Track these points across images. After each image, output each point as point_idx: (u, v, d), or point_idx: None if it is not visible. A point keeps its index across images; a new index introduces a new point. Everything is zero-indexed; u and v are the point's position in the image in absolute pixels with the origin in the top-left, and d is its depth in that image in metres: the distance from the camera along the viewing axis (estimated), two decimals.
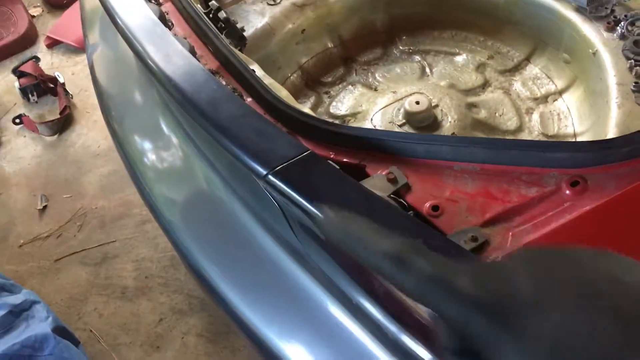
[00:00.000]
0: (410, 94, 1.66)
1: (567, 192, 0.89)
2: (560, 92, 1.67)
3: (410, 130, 1.59)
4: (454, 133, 1.56)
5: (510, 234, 0.88)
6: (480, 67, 1.79)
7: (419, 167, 0.99)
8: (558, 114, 1.63)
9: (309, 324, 1.10)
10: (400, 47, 1.91)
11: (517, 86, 1.73)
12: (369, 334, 1.00)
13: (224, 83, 1.21)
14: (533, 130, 1.62)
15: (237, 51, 1.30)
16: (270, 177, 0.94)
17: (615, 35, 1.51)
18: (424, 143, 1.00)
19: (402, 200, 0.96)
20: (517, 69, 1.78)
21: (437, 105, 1.62)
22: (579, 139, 1.55)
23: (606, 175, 0.89)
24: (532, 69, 1.76)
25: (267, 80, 1.22)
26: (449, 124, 1.59)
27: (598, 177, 0.89)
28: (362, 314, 0.98)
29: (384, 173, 0.99)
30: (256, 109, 1.15)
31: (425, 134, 1.51)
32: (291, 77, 1.84)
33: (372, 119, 1.65)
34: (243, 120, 1.01)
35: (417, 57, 1.87)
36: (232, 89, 1.20)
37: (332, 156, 1.06)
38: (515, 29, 1.78)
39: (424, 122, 1.59)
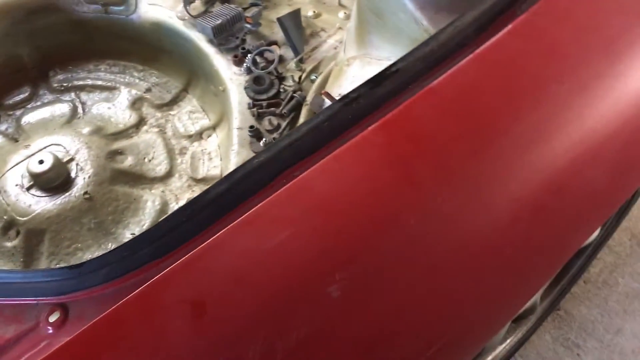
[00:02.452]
0: (45, 147, 1.47)
1: (47, 327, 0.76)
2: (214, 127, 1.57)
3: (39, 193, 1.40)
4: (86, 192, 1.40)
5: None
6: (137, 103, 1.64)
7: None
8: (209, 153, 1.53)
9: None
10: (53, 85, 1.69)
11: (173, 122, 1.61)
12: None
13: None
14: (183, 174, 1.51)
15: None
16: None
17: (242, 69, 1.42)
18: None
19: None
20: (175, 101, 1.65)
21: (72, 159, 1.45)
22: None
23: (89, 300, 0.78)
24: (190, 101, 1.64)
25: None
26: (83, 180, 1.42)
27: (82, 303, 0.78)
28: None
29: None
30: None
31: None
32: None
33: None
34: None
35: (71, 95, 1.67)
36: None
37: None
38: (170, 58, 1.65)
39: (53, 182, 1.40)
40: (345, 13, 1.52)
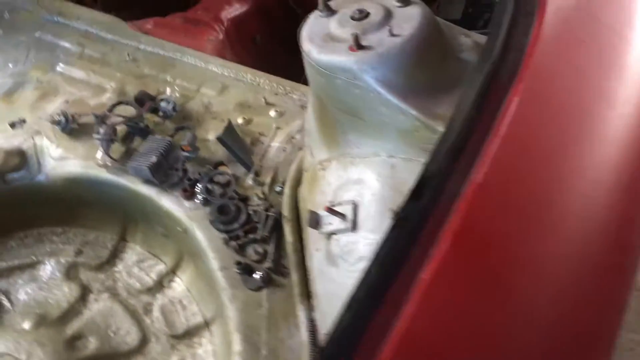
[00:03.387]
0: None
1: None
2: (173, 271, 1.40)
3: None
4: None
5: None
6: (71, 271, 1.41)
7: None
8: (180, 301, 1.36)
9: None
10: None
11: (123, 279, 1.41)
12: None
13: None
14: (160, 335, 1.32)
15: None
16: None
17: (197, 202, 1.28)
18: None
19: None
20: (115, 255, 1.44)
21: None
22: (212, 327, 1.30)
23: None
24: (134, 250, 1.45)
25: None
26: None
27: None
28: None
29: None
30: None
31: None
32: None
33: None
34: None
35: None
36: None
37: None
38: (94, 210, 1.45)
39: None
40: (276, 111, 1.44)
